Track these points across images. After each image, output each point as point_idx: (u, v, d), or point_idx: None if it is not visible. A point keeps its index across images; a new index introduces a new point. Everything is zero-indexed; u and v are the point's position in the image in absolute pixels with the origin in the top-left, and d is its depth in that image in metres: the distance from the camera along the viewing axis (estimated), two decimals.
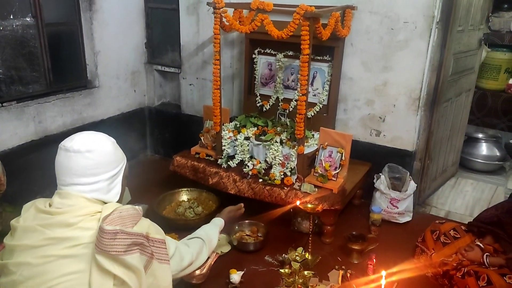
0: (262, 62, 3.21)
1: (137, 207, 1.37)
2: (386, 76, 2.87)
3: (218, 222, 1.94)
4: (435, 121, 2.93)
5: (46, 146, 2.94)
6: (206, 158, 3.01)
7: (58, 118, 3.04)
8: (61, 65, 3.13)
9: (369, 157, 3.06)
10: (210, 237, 1.83)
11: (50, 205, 1.30)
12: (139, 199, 3.05)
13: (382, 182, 2.88)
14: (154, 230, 1.40)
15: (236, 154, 2.88)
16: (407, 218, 2.89)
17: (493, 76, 4.21)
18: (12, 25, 2.79)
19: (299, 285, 1.76)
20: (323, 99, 2.97)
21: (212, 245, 1.83)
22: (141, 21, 3.64)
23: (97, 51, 3.30)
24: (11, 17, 2.79)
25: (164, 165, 3.21)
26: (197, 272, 2.26)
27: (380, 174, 2.94)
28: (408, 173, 2.91)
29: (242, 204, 2.20)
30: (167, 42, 3.71)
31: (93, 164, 1.30)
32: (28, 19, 2.88)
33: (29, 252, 1.23)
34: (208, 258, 2.37)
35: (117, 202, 1.39)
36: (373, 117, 3.00)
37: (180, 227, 2.70)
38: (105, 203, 1.34)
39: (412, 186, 2.86)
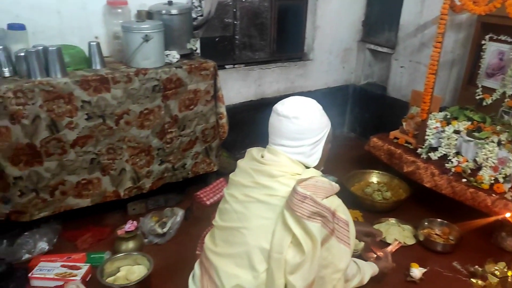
0: (491, 50, 2.81)
1: (333, 183, 1.42)
2: None
3: (373, 266, 1.83)
4: None
5: (261, 107, 3.32)
6: (405, 145, 2.88)
7: (274, 84, 3.39)
8: (283, 37, 3.44)
9: None
10: (365, 271, 1.72)
11: (262, 156, 1.47)
12: (330, 171, 3.17)
13: None
14: (342, 210, 1.41)
15: (439, 146, 2.66)
16: None
17: None
18: None
19: None
20: None
21: (364, 279, 1.70)
22: None
23: (317, 26, 3.48)
24: None
25: (358, 144, 3.24)
26: (378, 253, 2.24)
27: None
28: None
29: (394, 265, 1.99)
30: (384, 21, 3.62)
31: (299, 129, 1.39)
32: None
33: (239, 188, 1.46)
34: (389, 244, 2.35)
35: (317, 167, 1.47)
36: None
37: (365, 207, 2.72)
38: (306, 166, 1.44)
39: None
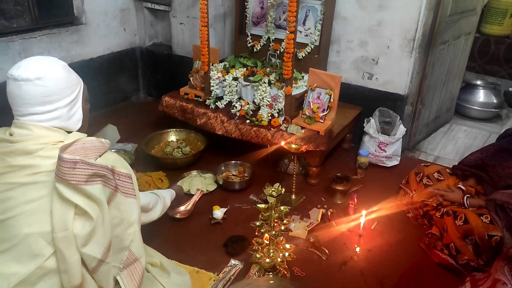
0: None
1: (103, 140, 1.33)
2: (381, 16, 2.75)
3: (171, 191, 2.02)
4: (429, 64, 2.84)
5: None
6: (195, 99, 2.97)
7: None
8: (45, 0, 3.01)
9: (361, 101, 3.01)
10: (164, 196, 1.84)
11: (10, 135, 1.26)
12: (128, 139, 3.06)
13: (371, 126, 2.86)
14: (120, 164, 1.35)
15: (224, 95, 2.85)
16: (395, 162, 2.90)
17: (498, 21, 4.03)
18: None
19: (275, 220, 1.79)
20: (315, 40, 2.88)
21: (166, 204, 1.84)
22: None
23: None
24: None
25: (156, 107, 3.19)
26: (182, 208, 2.32)
27: (370, 118, 2.91)
28: (399, 118, 2.87)
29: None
30: None
31: (46, 91, 1.23)
32: None
33: None
34: (193, 195, 2.44)
35: (81, 130, 1.36)
36: (366, 59, 2.92)
37: (167, 166, 2.73)
38: (68, 132, 1.31)
39: (401, 130, 2.83)
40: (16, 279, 1.19)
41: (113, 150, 2.72)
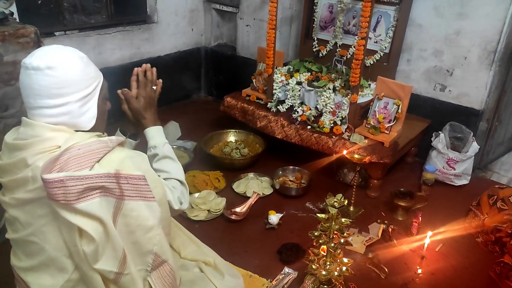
0: (323, 3, 3.01)
1: (107, 138, 1.16)
2: (460, 24, 2.58)
3: (160, 141, 1.41)
4: (510, 79, 2.62)
5: (105, 77, 3.04)
6: (256, 101, 2.97)
7: (117, 51, 3.12)
8: None
9: (430, 114, 2.85)
10: (177, 168, 1.40)
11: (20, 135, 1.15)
12: (188, 136, 3.12)
13: (440, 140, 2.69)
14: (130, 164, 1.15)
15: (286, 98, 2.81)
16: (464, 181, 2.70)
17: None
18: None
19: (335, 231, 1.71)
20: (385, 47, 2.76)
21: (185, 184, 1.40)
22: None
23: None
24: None
25: (216, 106, 3.23)
26: (238, 209, 2.31)
27: (440, 132, 2.74)
28: (472, 134, 2.68)
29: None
30: None
31: (57, 82, 1.09)
32: None
33: (8, 191, 1.18)
34: (249, 197, 2.42)
35: (95, 129, 1.20)
36: (439, 70, 2.75)
37: (225, 166, 2.74)
38: (78, 130, 1.17)
39: (474, 147, 2.64)
40: None
41: (174, 147, 2.81)
